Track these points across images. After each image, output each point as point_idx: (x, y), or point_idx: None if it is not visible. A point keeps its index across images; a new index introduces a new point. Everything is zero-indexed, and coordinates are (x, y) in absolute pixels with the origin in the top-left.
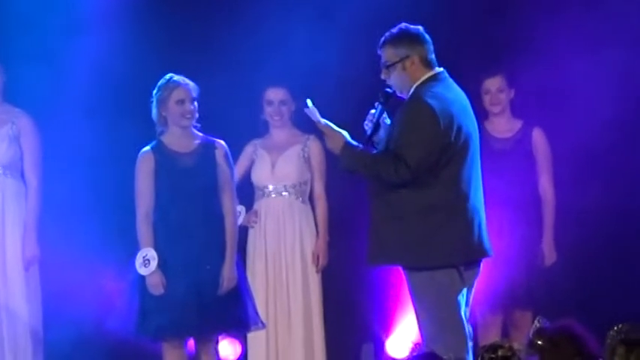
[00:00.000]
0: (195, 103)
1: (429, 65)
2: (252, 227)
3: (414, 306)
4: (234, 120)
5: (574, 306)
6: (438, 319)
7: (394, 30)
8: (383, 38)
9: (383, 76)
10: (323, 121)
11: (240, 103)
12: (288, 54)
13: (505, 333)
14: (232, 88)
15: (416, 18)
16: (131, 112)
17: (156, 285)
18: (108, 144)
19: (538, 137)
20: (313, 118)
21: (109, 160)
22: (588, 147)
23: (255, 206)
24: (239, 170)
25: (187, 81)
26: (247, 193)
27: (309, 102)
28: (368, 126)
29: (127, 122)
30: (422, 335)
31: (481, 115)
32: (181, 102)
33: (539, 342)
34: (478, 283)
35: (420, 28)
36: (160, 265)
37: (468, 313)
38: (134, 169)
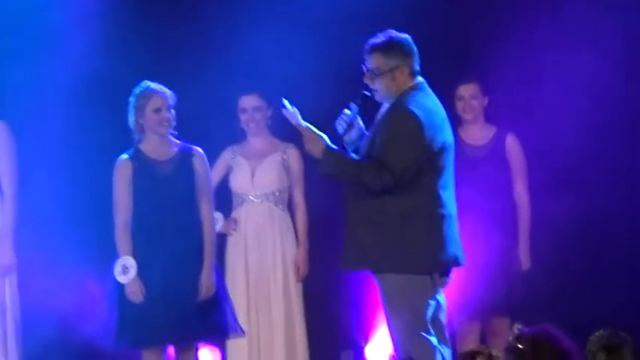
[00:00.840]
0: (173, 110)
1: (414, 75)
2: (231, 235)
3: (385, 311)
4: (209, 126)
5: (552, 312)
6: (408, 324)
7: (384, 37)
8: (372, 44)
9: (366, 81)
10: (304, 123)
11: (215, 109)
12: (261, 60)
13: (483, 340)
14: (207, 95)
15: (389, 22)
16: (109, 118)
17: (135, 293)
18: (85, 150)
19: (512, 144)
20: (292, 121)
21: (86, 167)
22: (562, 152)
23: (234, 214)
24: (216, 176)
25: (164, 89)
26: (224, 199)
27: (285, 102)
28: (341, 125)
29: (105, 128)
30: (393, 340)
31: (455, 122)
32: (158, 110)
33: (520, 346)
34: (455, 290)
35: (409, 37)
36: (138, 273)
37: (445, 319)
38: (112, 177)
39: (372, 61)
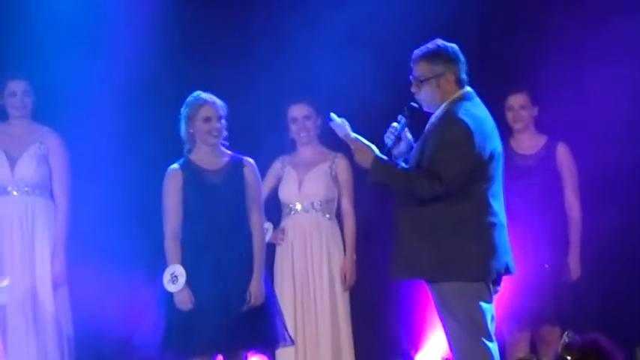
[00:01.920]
0: (223, 120)
1: (460, 84)
2: (280, 244)
3: (443, 320)
4: (260, 136)
5: (601, 321)
6: (467, 331)
7: (430, 45)
8: (418, 52)
9: (412, 90)
10: (352, 134)
11: (266, 119)
12: (311, 70)
13: (533, 349)
14: (258, 105)
15: (437, 33)
16: (160, 127)
17: (184, 301)
18: (136, 159)
19: (563, 153)
20: (340, 133)
21: (137, 176)
22: (614, 161)
23: (283, 223)
24: (266, 187)
25: (215, 99)
26: (274, 209)
27: (333, 116)
28: (390, 138)
29: (156, 138)
30: (452, 350)
31: (505, 131)
32: (208, 119)
33: (568, 357)
34: (506, 299)
35: (455, 46)
36: (187, 282)
37: (494, 328)
38: (162, 186)
39: (418, 69)
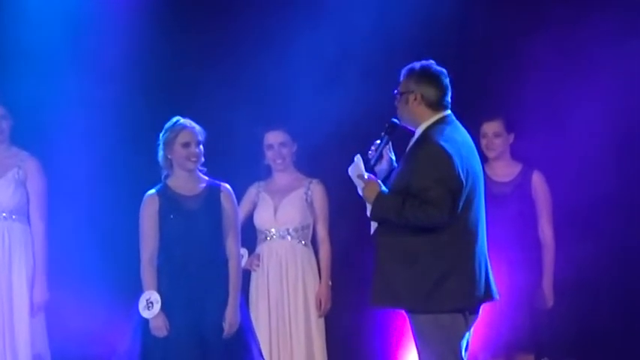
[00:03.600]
0: (201, 146)
1: (434, 107)
2: (255, 270)
3: (418, 349)
4: (236, 162)
5: (576, 348)
6: None
7: (416, 63)
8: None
9: (395, 103)
10: (367, 175)
11: (242, 145)
12: (288, 96)
13: None
14: (234, 131)
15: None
16: (137, 154)
17: (159, 328)
18: (113, 185)
19: (537, 181)
20: (357, 173)
21: (114, 201)
22: (589, 189)
23: (258, 249)
24: (242, 212)
25: (194, 124)
26: (249, 235)
27: (357, 158)
28: (372, 155)
29: (134, 164)
30: None
31: (481, 158)
32: (187, 145)
33: None
34: (481, 326)
35: (440, 70)
36: (163, 308)
37: (467, 356)
38: (139, 212)
39: (400, 84)
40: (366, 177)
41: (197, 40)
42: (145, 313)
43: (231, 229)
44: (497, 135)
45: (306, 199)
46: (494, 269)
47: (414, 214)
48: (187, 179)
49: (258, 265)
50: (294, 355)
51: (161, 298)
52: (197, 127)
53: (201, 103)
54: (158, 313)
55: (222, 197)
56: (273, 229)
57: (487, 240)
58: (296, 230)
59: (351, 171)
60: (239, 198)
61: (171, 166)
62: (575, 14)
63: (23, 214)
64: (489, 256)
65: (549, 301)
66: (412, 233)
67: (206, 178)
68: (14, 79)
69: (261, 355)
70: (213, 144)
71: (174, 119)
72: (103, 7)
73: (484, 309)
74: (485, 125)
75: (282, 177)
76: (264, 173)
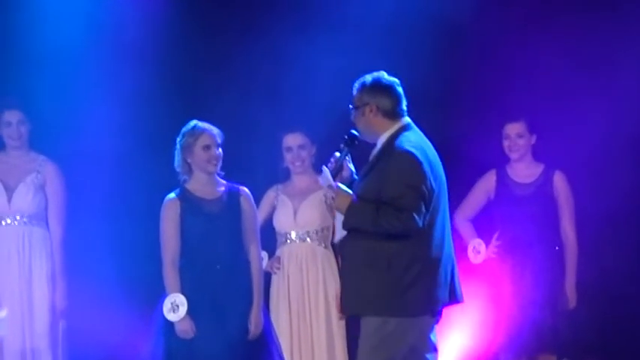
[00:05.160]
0: (220, 149)
1: (391, 116)
2: (275, 273)
3: (362, 352)
4: (255, 165)
5: (598, 349)
6: None
7: (367, 76)
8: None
9: (352, 118)
10: (335, 184)
11: (260, 148)
12: (307, 99)
13: None
14: (252, 134)
15: (438, 62)
16: (156, 158)
17: (185, 330)
18: (133, 189)
19: (559, 181)
20: (327, 183)
21: (134, 205)
22: (611, 190)
23: (278, 252)
24: (261, 216)
25: (212, 127)
26: (269, 238)
27: (325, 168)
28: (332, 167)
29: (153, 168)
30: None
31: (503, 159)
32: (207, 147)
33: None
34: (504, 328)
35: (392, 80)
36: (187, 311)
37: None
38: (158, 214)
39: (354, 98)
40: (334, 186)
41: (215, 43)
42: (171, 316)
43: (252, 232)
44: (520, 136)
45: (326, 201)
46: (518, 270)
47: (388, 222)
48: (207, 183)
49: (278, 268)
50: (315, 357)
51: (186, 301)
52: (216, 130)
53: (219, 107)
54: (184, 316)
55: (242, 200)
56: (293, 232)
57: (510, 240)
58: (316, 232)
59: (321, 182)
60: (258, 201)
61: (189, 170)
62: (596, 10)
63: (42, 218)
64: (512, 257)
65: (572, 301)
66: (382, 240)
67: (224, 182)
68: (32, 83)
69: (281, 357)
70: (232, 147)
71: (192, 123)
72: (122, 9)
73: (507, 310)
74: (507, 126)
75: (301, 179)
76: (282, 176)
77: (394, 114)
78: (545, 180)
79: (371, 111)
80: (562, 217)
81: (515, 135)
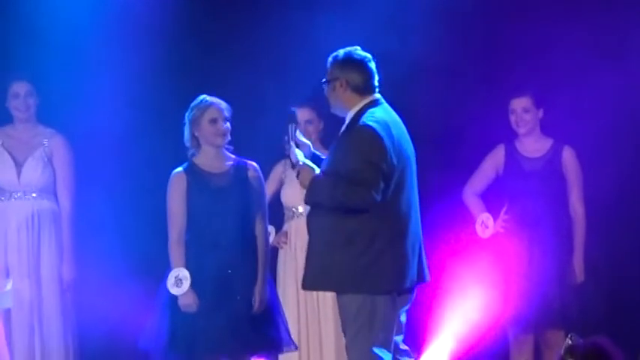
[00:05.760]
0: (228, 123)
1: (360, 91)
2: (282, 248)
3: (345, 330)
4: (262, 140)
5: (606, 325)
6: (370, 343)
7: (339, 51)
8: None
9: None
10: (302, 161)
11: (268, 122)
12: (315, 73)
13: (537, 352)
14: (260, 108)
15: (444, 33)
16: (163, 131)
17: (189, 305)
18: (140, 162)
19: (568, 156)
20: (293, 158)
21: (141, 178)
22: (620, 164)
23: (285, 227)
24: (269, 190)
25: (220, 101)
26: (276, 213)
27: (298, 134)
28: (288, 148)
29: (160, 142)
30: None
31: (511, 134)
32: (214, 121)
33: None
34: (511, 303)
35: (364, 55)
36: (192, 285)
37: (401, 339)
38: (166, 189)
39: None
40: (301, 163)
41: (225, 17)
42: (174, 290)
43: (259, 207)
44: (526, 110)
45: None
46: (526, 245)
47: (345, 195)
48: (214, 157)
49: (285, 243)
50: (322, 333)
51: (189, 275)
52: (223, 104)
53: (228, 82)
54: (188, 290)
55: (250, 175)
56: (300, 207)
57: (518, 215)
58: None
59: (291, 157)
60: (265, 176)
61: (197, 144)
62: None
63: (51, 192)
64: (521, 232)
65: (579, 277)
66: (345, 216)
67: (232, 156)
68: (40, 58)
69: (288, 333)
70: (240, 122)
71: (201, 97)
72: None
73: (514, 284)
74: (513, 101)
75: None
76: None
77: (363, 90)
78: (554, 154)
79: (341, 85)
80: (571, 191)
81: (522, 110)
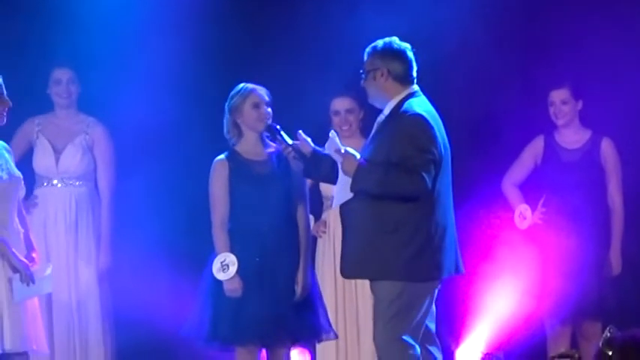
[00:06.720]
0: (269, 108)
1: (402, 81)
2: (321, 237)
3: (376, 317)
4: (301, 129)
5: None
6: (401, 331)
7: (378, 41)
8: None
9: (362, 83)
10: (343, 149)
11: (308, 111)
12: (356, 63)
13: (575, 344)
14: (300, 97)
15: (484, 27)
16: (204, 121)
17: (234, 290)
18: (181, 151)
19: (607, 147)
20: (334, 148)
21: (182, 167)
22: None
23: (324, 216)
24: (308, 180)
25: (260, 87)
26: (315, 202)
27: (332, 133)
28: (291, 154)
29: (202, 130)
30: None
31: (550, 126)
32: (257, 105)
33: (609, 352)
34: (549, 294)
35: (404, 45)
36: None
37: (434, 326)
38: (207, 177)
39: (365, 63)
40: (343, 151)
41: (264, 7)
42: (220, 275)
43: (300, 194)
44: (564, 102)
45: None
46: (563, 237)
47: (398, 182)
48: (256, 144)
49: (324, 232)
50: (360, 322)
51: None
52: (264, 89)
53: (268, 72)
54: (234, 275)
55: (291, 163)
56: None
57: (557, 206)
58: None
59: (327, 147)
60: None
61: (239, 133)
62: None
63: (90, 179)
64: (559, 223)
65: (617, 268)
66: (390, 205)
67: (273, 144)
68: (81, 44)
69: (328, 321)
70: (279, 111)
71: (240, 85)
72: None
73: (553, 276)
74: (552, 93)
75: (349, 143)
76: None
77: (405, 79)
78: (593, 146)
79: (382, 75)
80: (609, 183)
81: (560, 101)
